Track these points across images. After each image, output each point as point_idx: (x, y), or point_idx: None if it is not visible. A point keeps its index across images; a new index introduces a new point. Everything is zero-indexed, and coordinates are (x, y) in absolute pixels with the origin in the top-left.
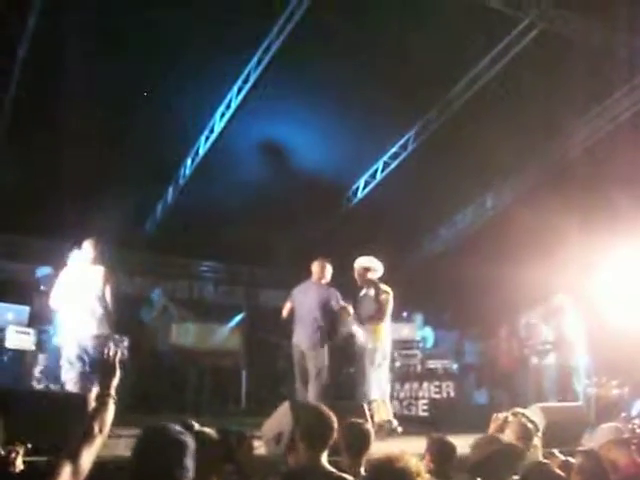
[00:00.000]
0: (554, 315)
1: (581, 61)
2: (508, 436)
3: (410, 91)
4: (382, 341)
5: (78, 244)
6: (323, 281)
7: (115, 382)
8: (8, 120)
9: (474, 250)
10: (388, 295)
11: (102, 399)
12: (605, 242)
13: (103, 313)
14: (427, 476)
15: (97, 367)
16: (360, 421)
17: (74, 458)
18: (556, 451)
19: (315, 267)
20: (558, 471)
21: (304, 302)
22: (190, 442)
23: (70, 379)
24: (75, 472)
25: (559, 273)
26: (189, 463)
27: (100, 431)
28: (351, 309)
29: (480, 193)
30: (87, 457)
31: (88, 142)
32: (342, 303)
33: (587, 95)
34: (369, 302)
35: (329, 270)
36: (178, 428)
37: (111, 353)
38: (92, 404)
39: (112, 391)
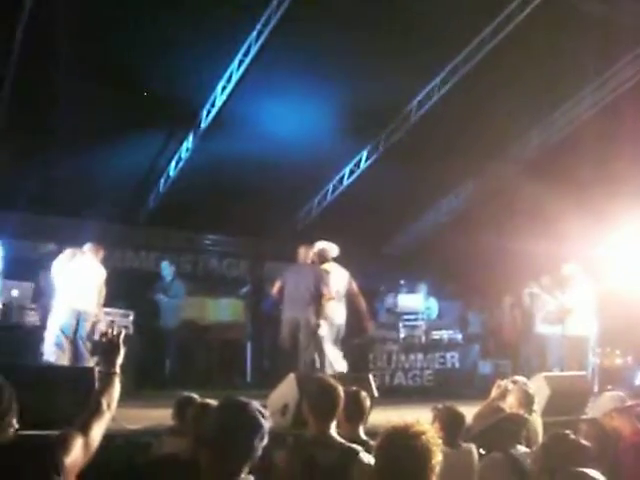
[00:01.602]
0: (564, 284)
1: (586, 29)
2: (510, 402)
3: (412, 63)
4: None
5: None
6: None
7: (120, 360)
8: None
9: (478, 221)
10: (327, 274)
11: (108, 376)
12: (609, 213)
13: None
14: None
15: (101, 345)
16: (356, 389)
17: (85, 431)
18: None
19: (303, 251)
20: (581, 440)
21: (299, 281)
22: (264, 423)
23: (60, 351)
24: (86, 444)
25: (562, 244)
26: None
27: (108, 407)
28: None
29: (483, 163)
30: (97, 431)
31: (92, 115)
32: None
33: (591, 64)
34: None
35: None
36: (255, 407)
37: (115, 331)
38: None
39: (117, 369)
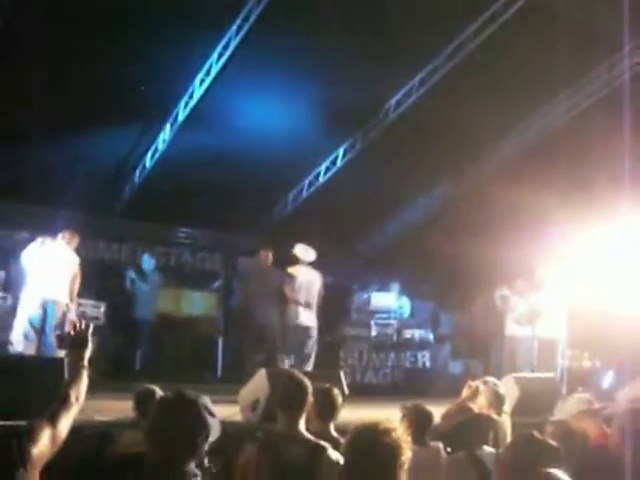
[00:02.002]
0: (537, 287)
1: (563, 34)
2: (480, 403)
3: (391, 62)
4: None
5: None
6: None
7: (88, 353)
8: None
9: (453, 222)
10: (290, 278)
11: (76, 370)
12: (582, 218)
13: (69, 291)
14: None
15: (70, 338)
16: (329, 386)
17: (53, 423)
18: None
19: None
20: (550, 441)
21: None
22: (208, 421)
23: (26, 340)
24: (54, 436)
25: (536, 247)
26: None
27: (77, 399)
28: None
29: (459, 165)
30: (65, 423)
31: (68, 103)
32: None
33: (568, 69)
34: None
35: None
36: (201, 403)
37: (83, 325)
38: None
39: (85, 362)
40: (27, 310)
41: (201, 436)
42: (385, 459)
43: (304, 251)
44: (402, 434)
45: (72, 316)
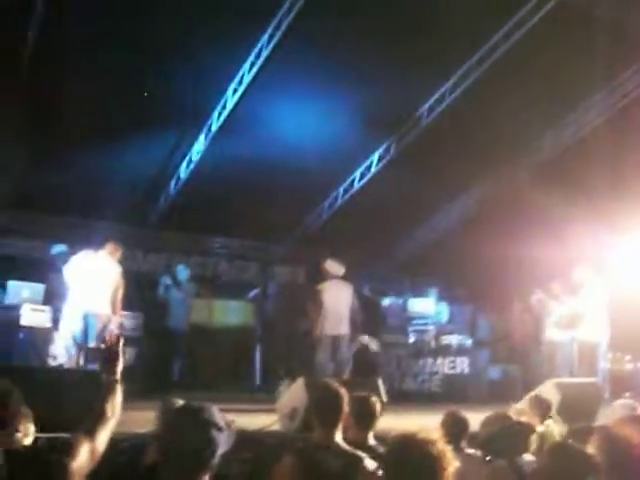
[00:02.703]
0: (576, 289)
1: (596, 35)
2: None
3: (423, 68)
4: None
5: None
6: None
7: (120, 367)
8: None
9: (488, 226)
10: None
11: (109, 384)
12: (620, 218)
13: (112, 302)
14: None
15: (102, 353)
16: (366, 394)
17: (91, 437)
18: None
19: (334, 266)
20: (587, 450)
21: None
22: (215, 436)
23: (68, 353)
24: (92, 450)
25: (573, 249)
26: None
27: (113, 414)
28: None
29: (493, 168)
30: (103, 437)
31: (103, 116)
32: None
33: (601, 70)
34: None
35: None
36: (207, 417)
37: (114, 339)
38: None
39: (118, 376)
40: (69, 323)
41: (206, 453)
42: (428, 471)
43: (333, 266)
44: (443, 444)
45: (113, 328)
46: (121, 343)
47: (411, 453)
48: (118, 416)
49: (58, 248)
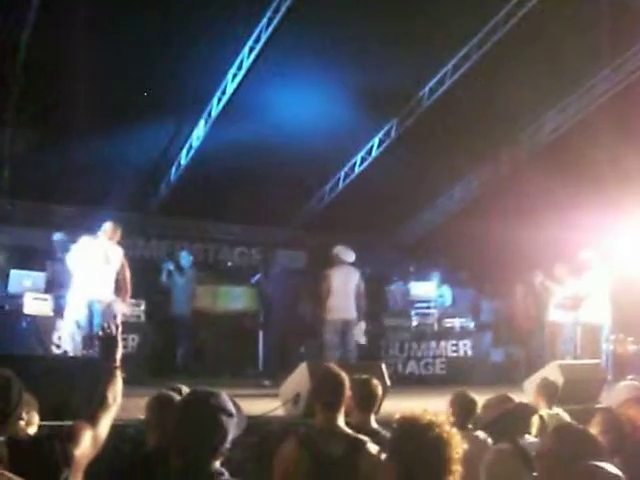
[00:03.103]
0: (580, 271)
1: (596, 14)
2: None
3: (423, 50)
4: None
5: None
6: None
7: (119, 354)
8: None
9: (491, 208)
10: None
11: (110, 371)
12: (623, 200)
13: (120, 287)
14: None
15: (100, 340)
16: (367, 377)
17: (94, 424)
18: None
19: (345, 252)
20: (591, 431)
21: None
22: (226, 422)
23: (73, 341)
24: (95, 437)
25: (576, 231)
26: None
27: (114, 400)
28: None
29: (495, 150)
30: (105, 424)
31: (102, 104)
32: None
33: (604, 49)
34: None
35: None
36: (218, 403)
37: (111, 327)
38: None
39: (117, 363)
40: (73, 311)
41: (217, 438)
42: (434, 454)
43: (344, 252)
44: (448, 427)
45: (119, 312)
46: (119, 330)
47: (417, 436)
48: (119, 403)
49: (57, 236)
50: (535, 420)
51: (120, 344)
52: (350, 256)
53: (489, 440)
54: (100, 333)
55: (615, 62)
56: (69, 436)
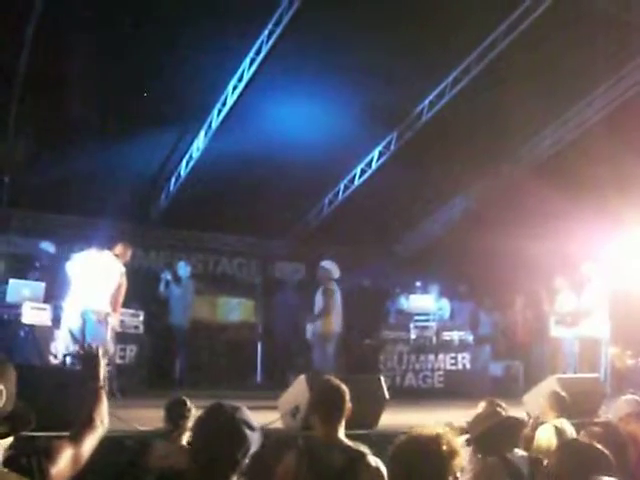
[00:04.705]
0: (581, 284)
1: (597, 29)
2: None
3: (424, 63)
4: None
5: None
6: None
7: (102, 372)
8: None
9: (490, 221)
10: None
11: (94, 391)
12: (621, 213)
13: (112, 301)
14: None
15: (82, 359)
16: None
17: (77, 443)
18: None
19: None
20: (599, 446)
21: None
22: (249, 435)
23: (67, 350)
24: (76, 456)
25: (574, 244)
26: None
27: (101, 422)
28: None
29: (495, 163)
30: (89, 444)
31: (102, 114)
32: None
33: (603, 64)
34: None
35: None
36: (241, 417)
37: (93, 345)
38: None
39: (101, 382)
40: (68, 322)
41: (240, 452)
42: (433, 469)
43: (335, 268)
44: (449, 440)
45: (113, 325)
46: (100, 350)
47: (412, 450)
48: (106, 425)
49: (44, 245)
50: (545, 431)
51: (103, 363)
52: (336, 272)
53: (477, 455)
54: (81, 352)
55: (614, 77)
56: (47, 453)
